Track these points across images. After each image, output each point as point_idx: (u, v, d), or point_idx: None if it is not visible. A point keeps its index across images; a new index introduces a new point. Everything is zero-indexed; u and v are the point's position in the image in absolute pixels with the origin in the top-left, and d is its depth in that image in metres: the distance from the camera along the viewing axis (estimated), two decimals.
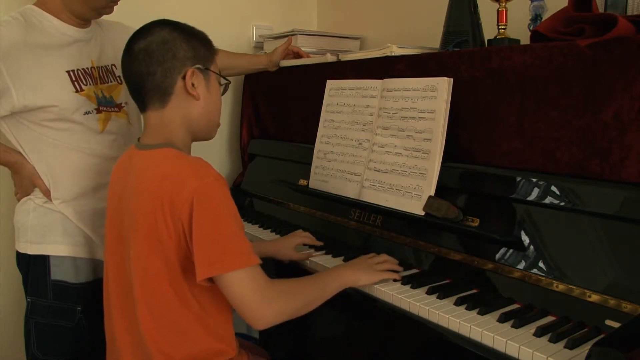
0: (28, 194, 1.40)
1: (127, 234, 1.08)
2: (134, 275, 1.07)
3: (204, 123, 1.16)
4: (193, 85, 1.10)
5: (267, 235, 1.63)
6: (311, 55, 1.87)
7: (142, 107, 1.14)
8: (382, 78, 1.46)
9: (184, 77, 1.10)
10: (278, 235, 1.61)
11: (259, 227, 1.71)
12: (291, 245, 1.43)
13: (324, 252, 1.43)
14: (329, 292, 1.12)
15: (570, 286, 1.02)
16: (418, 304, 1.09)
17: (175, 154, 1.08)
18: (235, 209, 1.04)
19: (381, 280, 1.19)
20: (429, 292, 1.14)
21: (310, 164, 1.63)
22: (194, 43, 1.11)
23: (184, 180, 1.00)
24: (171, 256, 1.02)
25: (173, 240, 1.01)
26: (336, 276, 1.15)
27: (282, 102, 1.96)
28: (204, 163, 1.06)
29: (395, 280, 1.20)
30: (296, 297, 1.06)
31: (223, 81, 1.20)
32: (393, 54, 1.43)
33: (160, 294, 1.05)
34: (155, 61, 1.08)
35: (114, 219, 1.15)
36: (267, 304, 1.00)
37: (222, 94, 1.21)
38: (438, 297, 1.11)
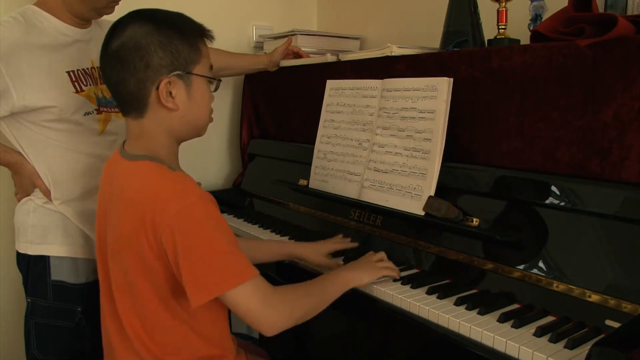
0: (28, 195, 1.40)
1: (112, 246, 1.06)
2: (119, 288, 1.05)
3: (186, 130, 1.08)
4: (171, 94, 1.01)
5: (267, 235, 1.63)
6: (311, 55, 1.87)
7: (122, 111, 1.08)
8: (382, 78, 1.45)
9: (158, 87, 1.00)
10: (278, 235, 1.60)
11: (259, 227, 1.71)
12: (324, 251, 1.34)
13: None
14: (333, 295, 1.11)
15: (570, 286, 1.02)
16: (418, 304, 1.09)
17: (157, 171, 1.01)
18: (224, 225, 0.98)
19: (382, 277, 1.19)
20: (429, 292, 1.14)
21: (310, 164, 1.63)
22: (173, 46, 1.00)
23: (165, 203, 0.94)
24: (158, 277, 0.99)
25: (159, 263, 0.97)
26: (338, 279, 1.14)
27: (282, 102, 1.96)
28: (187, 181, 1.00)
29: (395, 280, 1.20)
30: (302, 301, 1.04)
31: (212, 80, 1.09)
32: (393, 54, 1.43)
33: (149, 308, 1.02)
34: (127, 70, 0.99)
35: (102, 228, 1.12)
36: (275, 311, 0.98)
37: (214, 91, 1.11)
38: (438, 297, 1.11)
